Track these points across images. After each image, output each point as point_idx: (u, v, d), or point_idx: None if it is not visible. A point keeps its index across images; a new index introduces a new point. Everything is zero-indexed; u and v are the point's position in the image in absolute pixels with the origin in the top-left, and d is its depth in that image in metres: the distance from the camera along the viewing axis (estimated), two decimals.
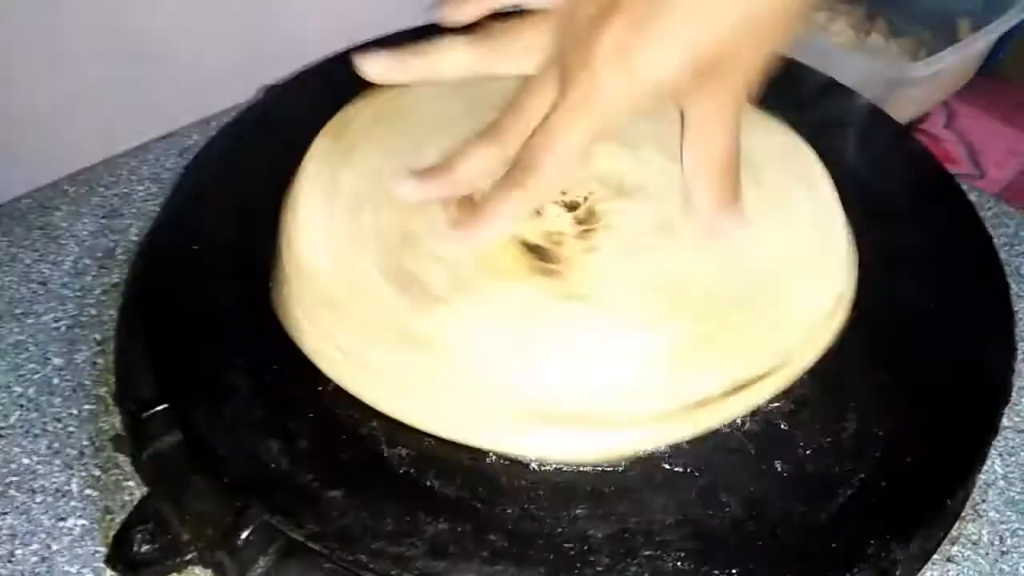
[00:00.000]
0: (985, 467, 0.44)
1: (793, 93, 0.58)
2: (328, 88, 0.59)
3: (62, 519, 0.42)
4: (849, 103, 0.57)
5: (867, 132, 0.54)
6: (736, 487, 0.38)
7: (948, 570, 0.41)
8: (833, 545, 0.37)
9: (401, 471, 0.39)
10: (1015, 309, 0.46)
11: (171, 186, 0.54)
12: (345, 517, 0.37)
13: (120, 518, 0.40)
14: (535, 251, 0.42)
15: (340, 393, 0.41)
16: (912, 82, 0.80)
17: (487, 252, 0.41)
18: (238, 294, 0.46)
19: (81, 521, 0.42)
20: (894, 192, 0.51)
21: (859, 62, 0.81)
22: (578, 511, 0.37)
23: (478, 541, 0.36)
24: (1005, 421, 0.45)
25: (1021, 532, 0.42)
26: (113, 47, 0.60)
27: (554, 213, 0.43)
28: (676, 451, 0.39)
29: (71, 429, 0.45)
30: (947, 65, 0.78)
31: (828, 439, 0.40)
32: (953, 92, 0.93)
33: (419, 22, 0.66)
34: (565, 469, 0.39)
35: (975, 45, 0.80)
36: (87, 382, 0.47)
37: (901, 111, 0.87)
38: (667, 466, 0.39)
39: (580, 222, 0.43)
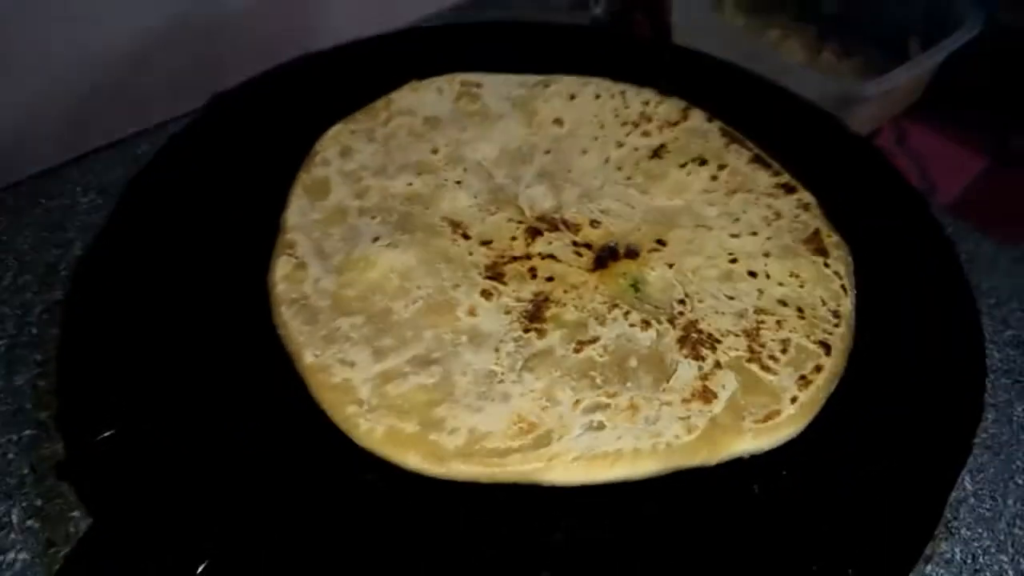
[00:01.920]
0: (955, 484, 0.44)
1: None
2: (278, 95, 0.57)
3: (1, 552, 0.39)
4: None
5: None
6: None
7: None
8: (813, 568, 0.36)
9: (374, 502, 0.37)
10: None
11: (116, 198, 0.51)
12: (310, 551, 0.35)
13: (64, 551, 0.38)
14: None
15: (306, 419, 0.39)
16: (864, 100, 0.81)
17: None
18: (195, 310, 0.44)
19: (22, 555, 0.39)
20: (860, 208, 0.51)
21: (812, 80, 0.82)
22: None
23: None
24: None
25: (993, 550, 0.43)
26: (57, 54, 0.57)
27: None
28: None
29: (11, 456, 0.42)
30: (898, 83, 0.80)
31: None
32: (903, 109, 0.95)
33: (375, 31, 0.65)
34: None
35: (925, 64, 0.82)
36: (28, 406, 0.44)
37: (854, 127, 0.88)
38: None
39: None
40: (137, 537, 0.36)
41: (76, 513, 0.40)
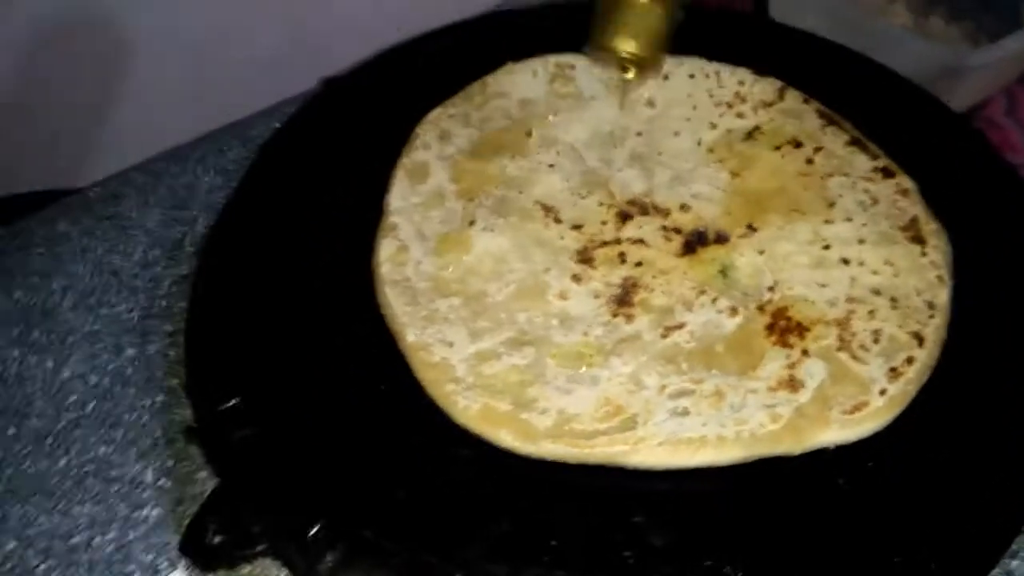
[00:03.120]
0: None
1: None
2: (384, 80, 0.60)
3: (138, 508, 0.43)
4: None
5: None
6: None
7: None
8: None
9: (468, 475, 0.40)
10: None
11: (233, 177, 0.55)
12: (411, 516, 0.38)
13: (192, 508, 0.41)
14: None
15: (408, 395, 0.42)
16: (972, 69, 0.77)
17: None
18: (308, 287, 0.47)
19: (156, 511, 0.43)
20: (960, 197, 0.50)
21: (917, 47, 0.79)
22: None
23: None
24: None
25: None
26: (174, 38, 0.60)
27: None
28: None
29: (144, 420, 0.47)
30: (1008, 52, 0.76)
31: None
32: (1015, 79, 0.90)
33: (476, 12, 0.66)
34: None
35: None
36: (159, 373, 0.48)
37: (960, 98, 0.84)
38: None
39: None
40: (258, 498, 0.40)
41: (203, 474, 0.44)
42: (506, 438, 0.40)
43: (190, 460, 0.45)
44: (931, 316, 0.44)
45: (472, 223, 0.50)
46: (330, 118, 0.56)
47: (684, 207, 0.51)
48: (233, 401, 0.42)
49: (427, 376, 0.43)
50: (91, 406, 0.47)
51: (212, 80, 0.62)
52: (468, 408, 0.41)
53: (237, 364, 0.43)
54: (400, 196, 0.52)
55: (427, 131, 0.56)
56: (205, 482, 0.44)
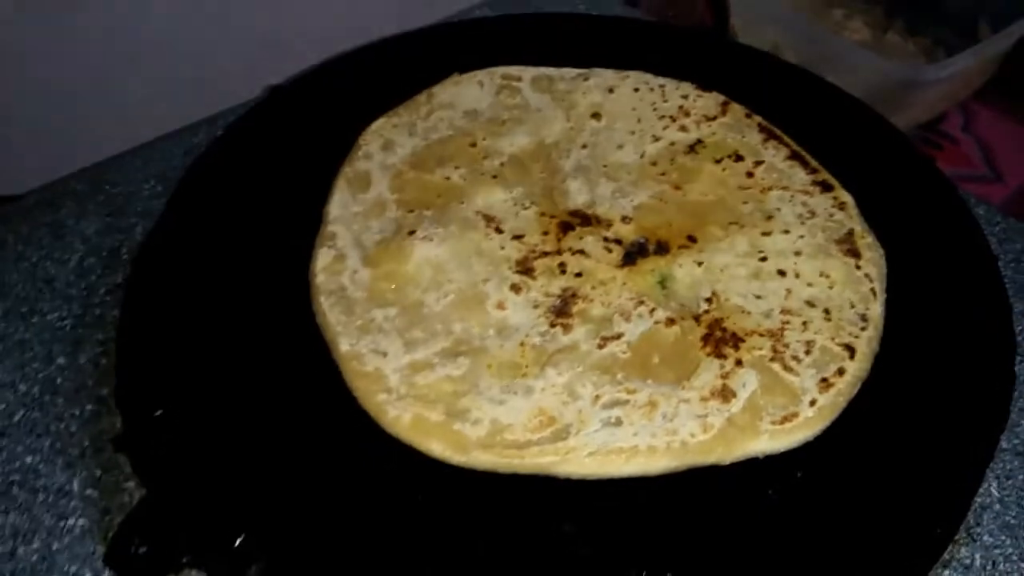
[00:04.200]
0: (981, 490, 0.44)
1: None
2: (332, 88, 0.60)
3: (63, 518, 0.43)
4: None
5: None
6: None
7: None
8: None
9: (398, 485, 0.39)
10: (1017, 329, 0.46)
11: (175, 185, 0.54)
12: (338, 528, 0.38)
13: (119, 519, 0.41)
14: None
15: (340, 405, 0.42)
16: (927, 83, 0.79)
17: None
18: (243, 296, 0.47)
19: (81, 521, 0.42)
20: (898, 212, 0.51)
21: (873, 62, 0.80)
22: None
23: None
24: (1004, 443, 0.45)
25: (1015, 557, 0.42)
26: (119, 44, 0.60)
27: None
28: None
29: (73, 429, 0.46)
30: (964, 67, 0.77)
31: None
32: (971, 94, 0.91)
33: (426, 21, 0.67)
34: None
35: (992, 48, 0.78)
36: (90, 382, 0.47)
37: (916, 112, 0.85)
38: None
39: None
40: (184, 508, 0.39)
41: (130, 484, 0.43)
42: (437, 448, 0.40)
43: (118, 470, 0.44)
44: (863, 328, 0.45)
45: (412, 233, 0.50)
46: (273, 125, 0.56)
47: (625, 219, 0.51)
48: (161, 411, 0.41)
49: (359, 386, 0.42)
50: (19, 415, 0.46)
51: (155, 87, 0.62)
52: (399, 418, 0.41)
53: (167, 373, 0.43)
54: (340, 205, 0.51)
55: (370, 140, 0.55)
56: (132, 492, 0.43)
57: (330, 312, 0.45)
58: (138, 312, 0.46)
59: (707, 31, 0.79)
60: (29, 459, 0.45)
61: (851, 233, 0.50)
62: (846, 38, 0.85)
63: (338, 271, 0.47)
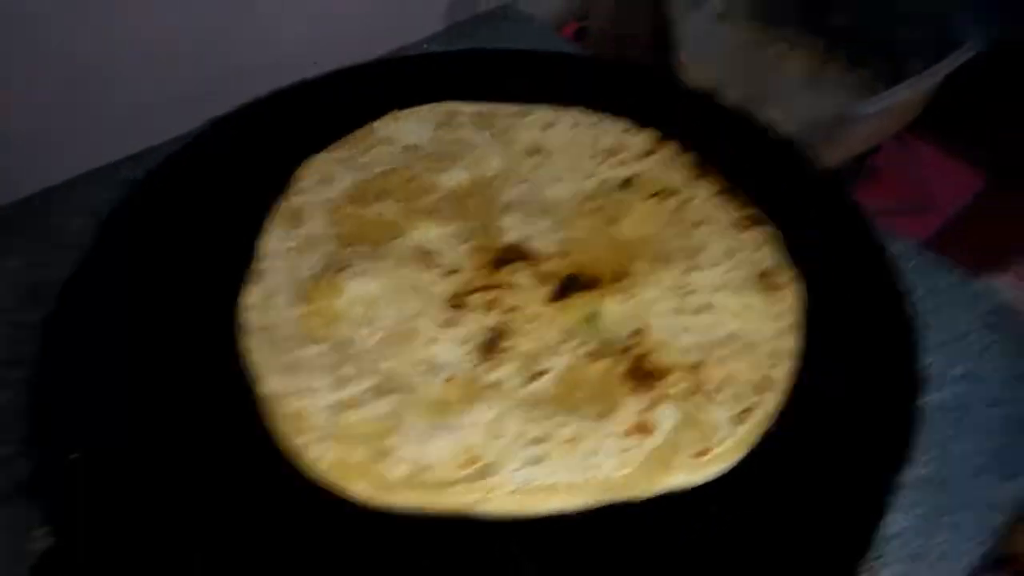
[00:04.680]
0: (888, 520, 0.44)
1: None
2: (272, 122, 0.60)
3: None
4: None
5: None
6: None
7: None
8: None
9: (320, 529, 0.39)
10: (929, 361, 0.48)
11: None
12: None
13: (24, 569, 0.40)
14: None
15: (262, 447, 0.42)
16: (861, 118, 0.81)
17: None
18: (168, 335, 0.46)
19: None
20: (819, 247, 0.52)
21: (809, 97, 0.83)
22: None
23: None
24: (908, 475, 0.45)
25: None
26: (49, 74, 0.59)
27: None
28: None
29: None
30: (896, 102, 0.80)
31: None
32: (904, 126, 0.95)
33: (372, 56, 0.67)
34: None
35: (922, 84, 0.81)
36: (8, 423, 0.46)
37: (851, 145, 0.88)
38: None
39: None
40: (94, 557, 0.38)
41: (42, 531, 0.42)
42: (357, 489, 0.40)
43: (29, 516, 0.43)
44: (779, 362, 0.46)
45: (344, 268, 0.50)
46: (210, 159, 0.56)
47: (558, 254, 0.52)
48: (74, 455, 0.40)
49: (279, 428, 0.42)
50: None
51: (89, 119, 0.61)
52: (320, 459, 0.41)
53: (82, 415, 0.42)
54: (274, 240, 0.52)
55: (309, 174, 0.56)
56: (42, 540, 0.42)
57: (256, 351, 0.45)
58: (55, 351, 0.45)
59: (649, 68, 0.81)
60: None
61: (773, 268, 0.51)
62: (783, 76, 0.88)
63: (268, 307, 0.48)
